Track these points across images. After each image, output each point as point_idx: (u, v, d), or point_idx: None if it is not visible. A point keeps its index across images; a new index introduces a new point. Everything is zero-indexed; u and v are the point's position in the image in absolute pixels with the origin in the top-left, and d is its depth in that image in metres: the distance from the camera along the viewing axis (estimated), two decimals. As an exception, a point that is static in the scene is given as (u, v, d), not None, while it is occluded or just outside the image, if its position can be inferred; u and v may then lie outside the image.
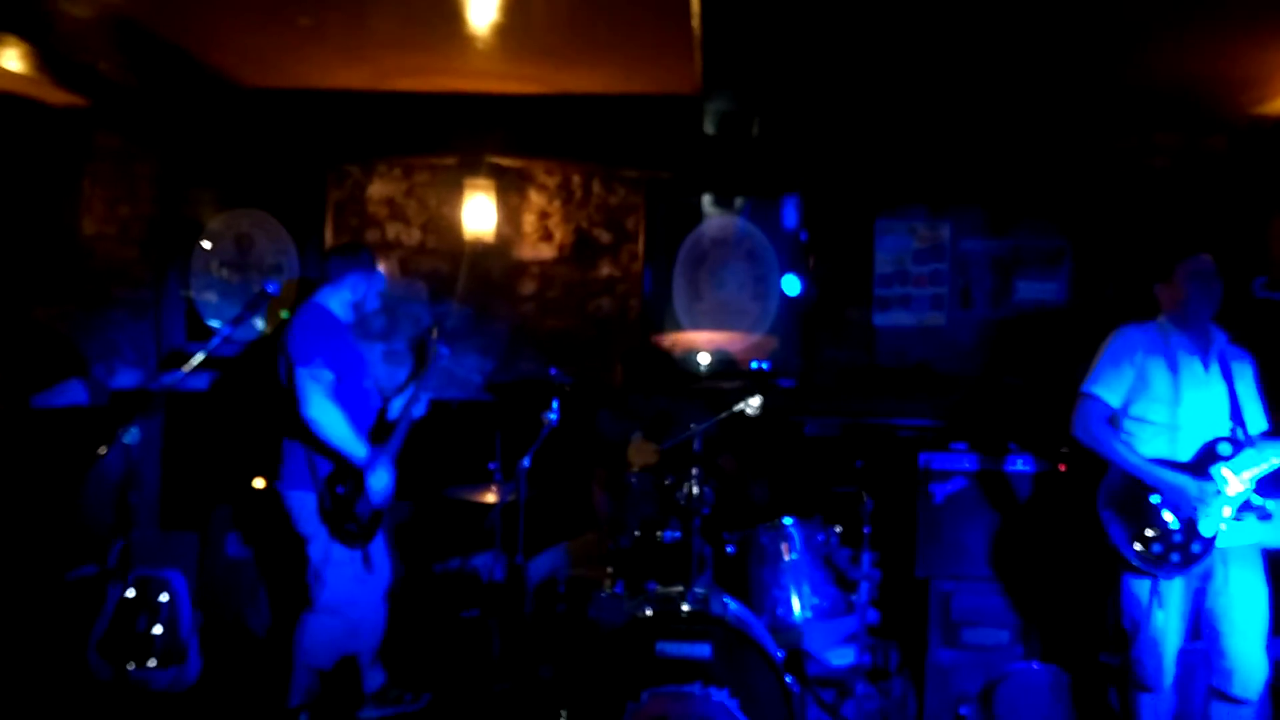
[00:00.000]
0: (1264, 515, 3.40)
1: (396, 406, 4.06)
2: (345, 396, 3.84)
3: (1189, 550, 3.41)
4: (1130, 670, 3.54)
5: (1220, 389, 3.50)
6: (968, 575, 4.36)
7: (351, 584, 3.86)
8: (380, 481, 3.83)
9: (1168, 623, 3.45)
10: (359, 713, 4.06)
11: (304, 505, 3.82)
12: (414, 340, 5.09)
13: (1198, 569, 3.44)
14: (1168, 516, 3.43)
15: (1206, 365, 3.53)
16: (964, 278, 5.49)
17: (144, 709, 4.09)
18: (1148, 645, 3.46)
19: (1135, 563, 3.45)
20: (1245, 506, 3.40)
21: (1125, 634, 3.54)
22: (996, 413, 5.33)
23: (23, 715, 3.97)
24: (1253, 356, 3.60)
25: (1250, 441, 3.42)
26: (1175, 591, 3.46)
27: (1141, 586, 3.48)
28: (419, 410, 4.05)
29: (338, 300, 4.00)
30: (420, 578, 5.06)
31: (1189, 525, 3.41)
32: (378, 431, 3.96)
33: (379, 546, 3.97)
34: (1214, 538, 3.39)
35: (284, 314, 4.11)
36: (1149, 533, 3.44)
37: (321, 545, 3.81)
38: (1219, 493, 3.39)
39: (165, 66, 4.68)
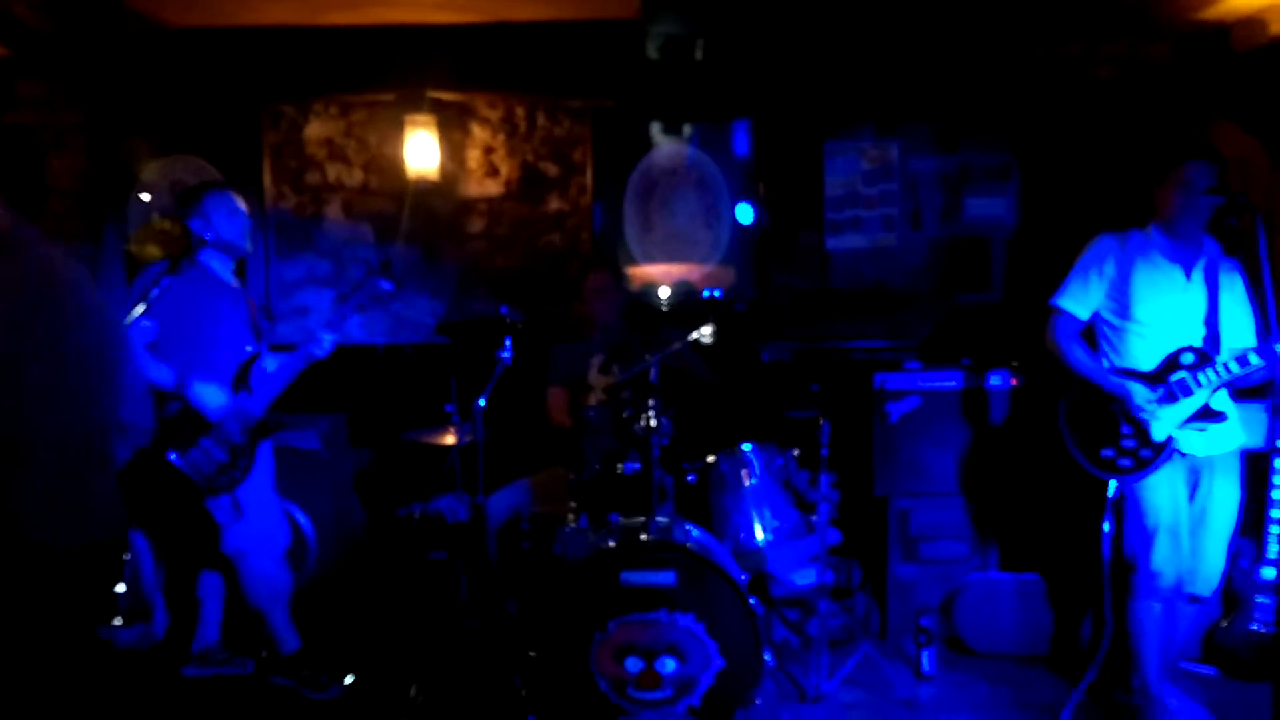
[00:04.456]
0: (1220, 419, 3.42)
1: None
2: (186, 341, 3.64)
3: (1139, 455, 3.46)
4: (1135, 583, 3.53)
5: (1199, 298, 3.48)
6: (925, 491, 4.45)
7: (253, 525, 3.78)
8: (213, 399, 3.62)
9: (1173, 525, 3.46)
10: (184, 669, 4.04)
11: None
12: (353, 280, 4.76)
13: (1175, 471, 3.46)
14: (1120, 421, 3.49)
15: (1189, 274, 3.49)
16: (914, 198, 5.48)
17: (111, 666, 4.06)
18: (1149, 555, 3.47)
19: (1089, 468, 3.52)
20: (1205, 414, 3.43)
21: (1129, 551, 3.54)
22: (950, 331, 5.39)
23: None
24: (1242, 266, 3.53)
25: (1215, 351, 3.42)
26: (1164, 494, 3.48)
27: (1135, 503, 3.51)
28: (320, 350, 3.77)
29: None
30: (384, 522, 5.05)
31: (1139, 429, 3.47)
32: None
33: (252, 490, 3.76)
34: (1167, 441, 3.44)
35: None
36: (1102, 438, 3.51)
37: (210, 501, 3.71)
38: (1169, 399, 3.43)
39: (84, 8, 4.49)
